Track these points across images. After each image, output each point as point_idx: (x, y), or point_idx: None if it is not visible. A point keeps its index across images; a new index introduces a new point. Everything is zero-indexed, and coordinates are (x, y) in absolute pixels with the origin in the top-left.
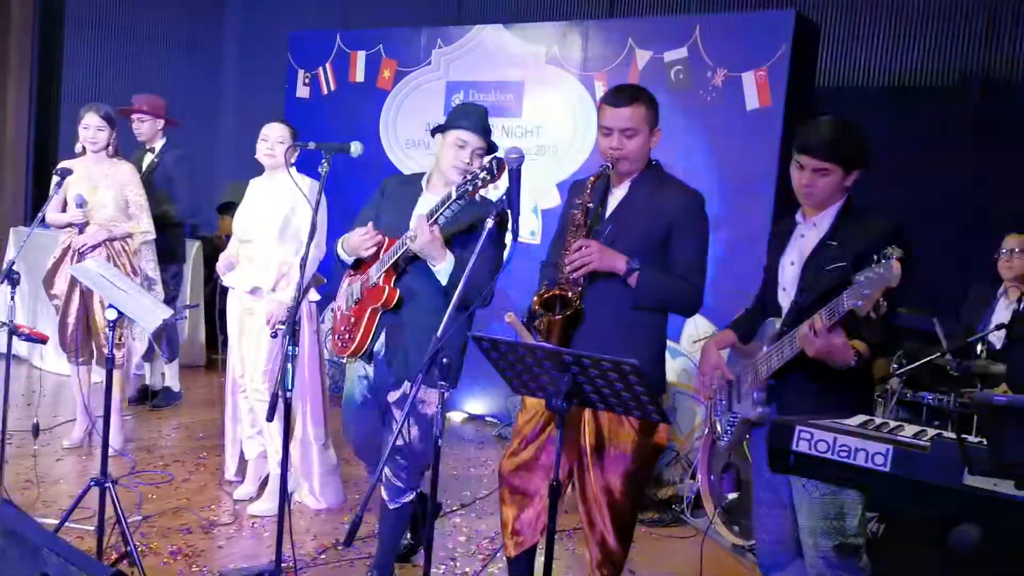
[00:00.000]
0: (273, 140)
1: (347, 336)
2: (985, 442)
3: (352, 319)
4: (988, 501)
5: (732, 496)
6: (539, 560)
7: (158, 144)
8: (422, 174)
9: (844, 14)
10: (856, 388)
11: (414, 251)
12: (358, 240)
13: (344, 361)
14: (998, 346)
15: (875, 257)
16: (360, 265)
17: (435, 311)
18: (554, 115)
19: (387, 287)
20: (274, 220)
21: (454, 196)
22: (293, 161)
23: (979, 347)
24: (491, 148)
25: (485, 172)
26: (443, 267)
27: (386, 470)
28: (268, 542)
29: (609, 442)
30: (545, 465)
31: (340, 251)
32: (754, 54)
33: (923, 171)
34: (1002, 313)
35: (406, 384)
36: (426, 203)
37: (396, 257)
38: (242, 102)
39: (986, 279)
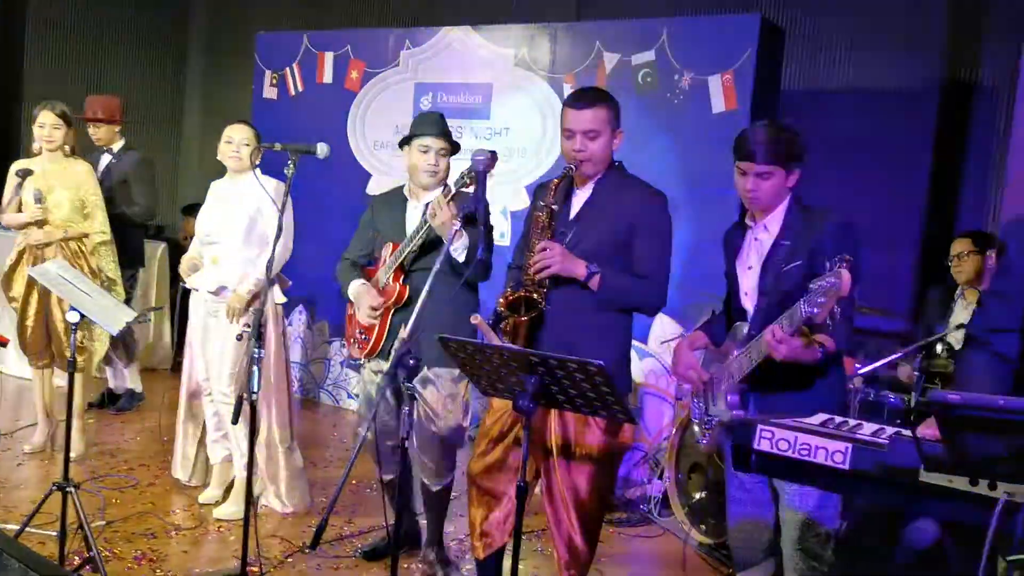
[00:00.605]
0: (238, 142)
1: (363, 337)
2: (940, 439)
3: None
4: (944, 497)
5: (699, 496)
6: (508, 561)
7: (116, 145)
8: (400, 187)
9: (808, 18)
10: (828, 388)
11: (434, 229)
12: (367, 309)
13: (362, 362)
14: (958, 347)
15: (827, 264)
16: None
17: (448, 300)
18: (522, 117)
19: (398, 285)
20: (239, 222)
21: (459, 183)
22: (258, 163)
23: (939, 347)
24: (454, 147)
25: (481, 163)
26: (460, 244)
27: (424, 458)
28: (234, 546)
29: (575, 443)
30: (513, 466)
31: (346, 293)
32: (720, 57)
33: (885, 173)
34: (961, 314)
35: (426, 369)
36: (413, 208)
37: (402, 257)
38: (208, 102)
39: (949, 280)
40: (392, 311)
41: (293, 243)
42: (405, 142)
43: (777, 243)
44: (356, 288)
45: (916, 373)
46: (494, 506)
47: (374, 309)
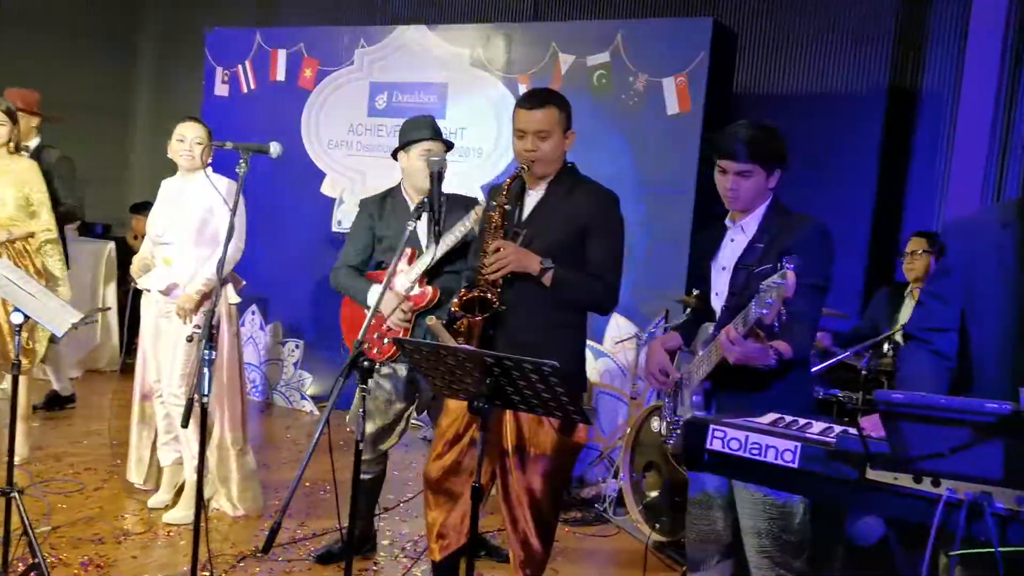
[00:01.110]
0: (191, 140)
1: (385, 342)
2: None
3: (385, 325)
4: (889, 494)
5: (654, 495)
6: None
7: (32, 142)
8: (392, 190)
9: (761, 23)
10: (791, 390)
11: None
12: (400, 314)
13: (379, 365)
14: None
15: (777, 266)
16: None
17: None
18: (478, 117)
19: (428, 288)
20: (191, 222)
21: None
22: (209, 161)
23: (886, 346)
24: (449, 146)
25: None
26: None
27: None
28: (184, 551)
29: (530, 442)
30: (469, 467)
31: (363, 300)
32: (674, 60)
33: (834, 175)
34: (908, 313)
35: None
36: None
37: (432, 263)
38: (159, 99)
39: (895, 281)
40: (416, 314)
41: (245, 243)
42: (402, 148)
43: (751, 245)
44: (381, 294)
45: (864, 372)
46: (451, 508)
47: (406, 313)
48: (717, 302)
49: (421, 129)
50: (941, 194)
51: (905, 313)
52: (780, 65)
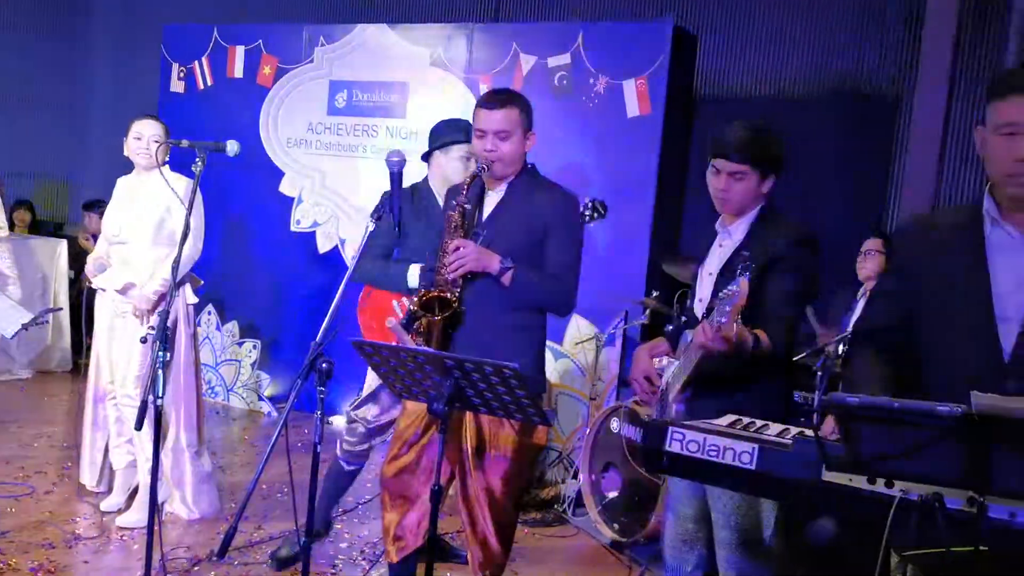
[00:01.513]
0: (148, 138)
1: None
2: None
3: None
4: (843, 495)
5: (612, 495)
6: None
7: None
8: (416, 184)
9: (720, 26)
10: (769, 395)
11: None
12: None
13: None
14: None
15: (738, 269)
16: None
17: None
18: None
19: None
20: (148, 221)
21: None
22: (166, 159)
23: (840, 347)
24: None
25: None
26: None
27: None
28: (138, 555)
29: (490, 444)
30: (427, 469)
31: (405, 281)
32: (634, 62)
33: (793, 177)
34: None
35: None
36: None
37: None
38: (113, 95)
39: (850, 281)
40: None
41: (203, 243)
42: (440, 147)
43: (738, 251)
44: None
45: (819, 373)
46: (408, 509)
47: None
48: (700, 308)
49: (459, 132)
50: (895, 196)
51: (857, 314)
52: (739, 68)
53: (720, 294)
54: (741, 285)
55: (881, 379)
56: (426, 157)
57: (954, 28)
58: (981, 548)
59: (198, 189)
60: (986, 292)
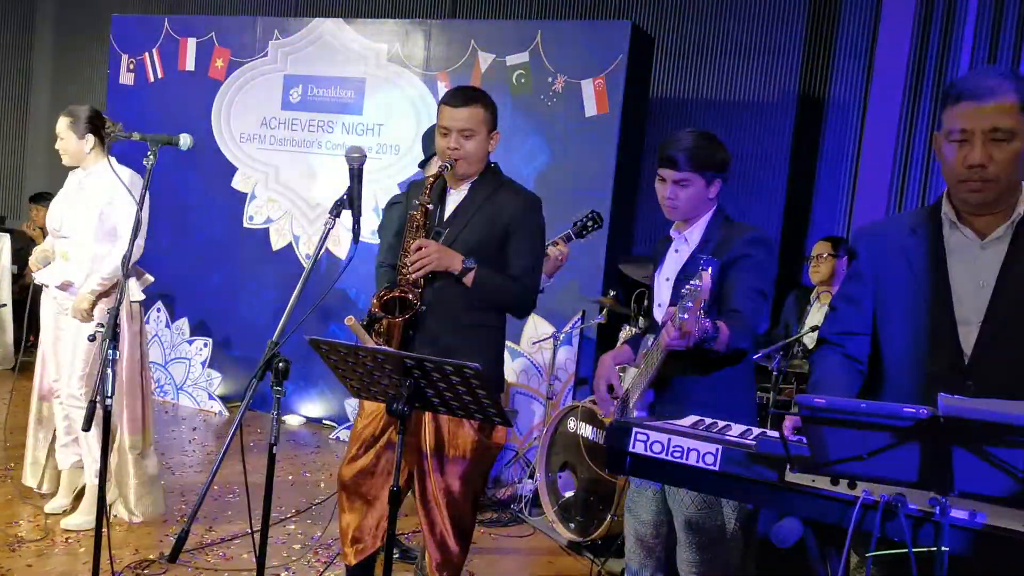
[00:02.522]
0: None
1: None
2: (806, 440)
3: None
4: (807, 496)
5: (569, 495)
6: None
7: None
8: (417, 182)
9: (677, 30)
10: (733, 398)
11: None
12: None
13: None
14: (811, 346)
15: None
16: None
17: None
18: (396, 114)
19: None
20: (89, 215)
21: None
22: (109, 150)
23: (795, 348)
24: None
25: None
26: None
27: None
28: (84, 558)
29: (449, 444)
30: (386, 470)
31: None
32: (593, 62)
33: (746, 181)
34: (816, 316)
35: None
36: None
37: None
38: (58, 86)
39: (803, 283)
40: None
41: (148, 238)
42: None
43: (694, 255)
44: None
45: (775, 373)
46: (366, 511)
47: None
48: (659, 313)
49: None
50: (848, 200)
51: (812, 316)
52: (695, 71)
53: (683, 289)
54: (703, 278)
55: (845, 382)
56: (423, 164)
57: (908, 37)
58: (942, 548)
59: (148, 184)
60: (946, 295)
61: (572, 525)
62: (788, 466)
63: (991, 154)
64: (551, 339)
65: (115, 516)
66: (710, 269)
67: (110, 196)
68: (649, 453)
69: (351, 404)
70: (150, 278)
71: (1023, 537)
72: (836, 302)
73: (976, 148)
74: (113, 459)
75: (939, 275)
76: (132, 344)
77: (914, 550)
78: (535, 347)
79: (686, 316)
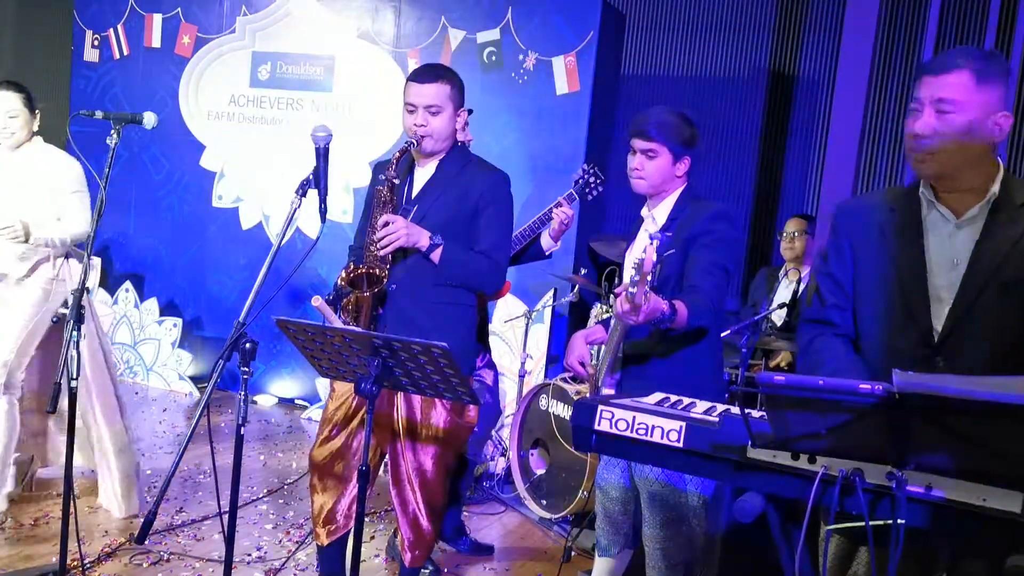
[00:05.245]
0: (3, 114)
1: None
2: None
3: None
4: (768, 472)
5: (540, 472)
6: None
7: None
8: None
9: (647, 6)
10: (701, 376)
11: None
12: None
13: None
14: (779, 323)
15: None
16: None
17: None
18: (366, 91)
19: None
20: (26, 203)
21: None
22: (35, 129)
23: (764, 325)
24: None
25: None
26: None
27: None
28: (54, 541)
29: (421, 424)
30: (358, 451)
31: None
32: (564, 39)
33: (717, 156)
34: (784, 292)
35: None
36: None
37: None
38: (19, 63)
39: (773, 260)
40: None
41: (116, 218)
42: None
43: (661, 233)
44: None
45: (743, 350)
46: (339, 493)
47: None
48: None
49: None
50: (817, 177)
51: (780, 293)
52: (665, 48)
53: (632, 264)
54: (648, 251)
55: (847, 356)
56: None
57: (875, 14)
58: (899, 521)
59: (112, 163)
60: (920, 271)
61: (544, 502)
62: (750, 442)
63: (933, 126)
64: (523, 317)
65: (102, 507)
66: (655, 243)
67: (50, 181)
68: (615, 431)
69: (323, 384)
70: (94, 265)
71: (978, 510)
72: (820, 279)
73: (921, 118)
74: (97, 455)
75: (915, 252)
76: (91, 336)
77: (871, 523)
78: (507, 325)
79: (634, 290)
